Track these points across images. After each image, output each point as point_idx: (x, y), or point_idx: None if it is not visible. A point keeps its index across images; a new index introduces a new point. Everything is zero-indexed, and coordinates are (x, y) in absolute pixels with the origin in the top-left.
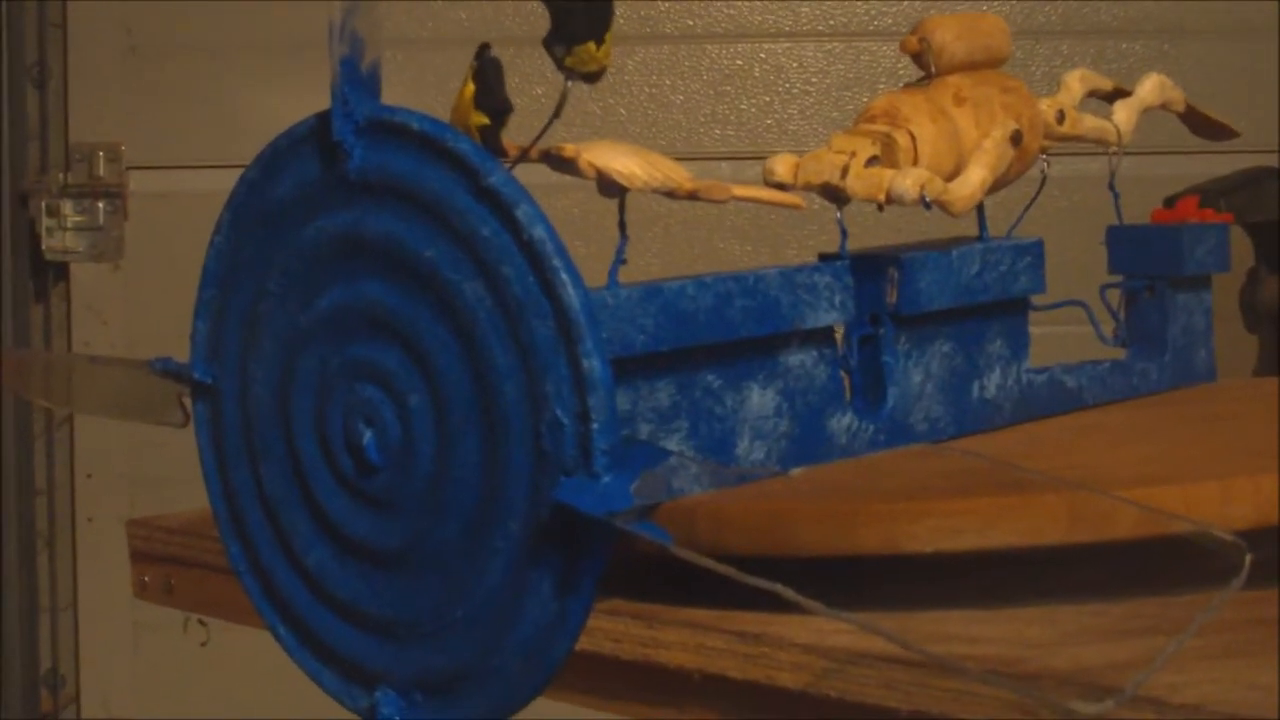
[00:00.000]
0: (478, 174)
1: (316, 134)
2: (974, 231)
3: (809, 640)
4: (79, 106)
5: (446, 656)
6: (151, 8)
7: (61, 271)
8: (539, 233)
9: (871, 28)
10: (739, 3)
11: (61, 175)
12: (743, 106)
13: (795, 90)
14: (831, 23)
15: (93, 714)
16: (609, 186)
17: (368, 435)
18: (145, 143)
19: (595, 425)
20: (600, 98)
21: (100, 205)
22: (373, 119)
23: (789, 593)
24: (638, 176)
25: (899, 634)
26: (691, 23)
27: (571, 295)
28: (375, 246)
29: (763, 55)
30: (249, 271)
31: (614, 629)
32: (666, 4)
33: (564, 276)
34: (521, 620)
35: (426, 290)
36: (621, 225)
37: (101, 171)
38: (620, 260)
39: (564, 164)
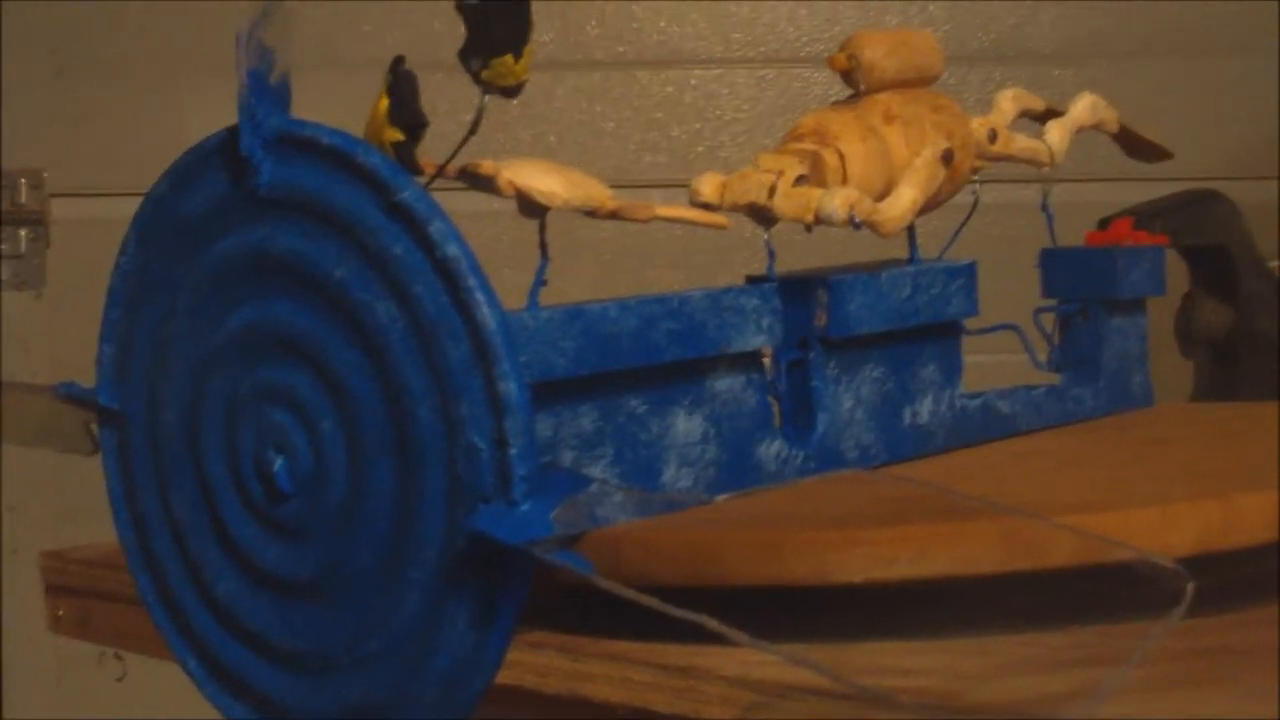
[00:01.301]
0: (388, 189)
1: (225, 148)
2: (905, 253)
3: (736, 673)
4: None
5: (361, 691)
6: (78, 31)
7: None
8: (452, 251)
9: (803, 54)
10: (670, 29)
11: None
12: (674, 134)
13: (727, 117)
14: (763, 49)
15: None
16: (529, 206)
17: (278, 462)
18: (69, 169)
19: (513, 450)
20: (530, 124)
21: (22, 233)
22: (281, 133)
23: (713, 623)
24: (558, 195)
25: (829, 666)
26: (622, 49)
27: (486, 315)
28: (284, 265)
29: (694, 82)
30: (157, 291)
31: (538, 662)
32: (597, 30)
33: (478, 296)
34: (438, 653)
35: (337, 311)
36: (542, 246)
37: (23, 199)
38: (541, 282)
39: (482, 182)
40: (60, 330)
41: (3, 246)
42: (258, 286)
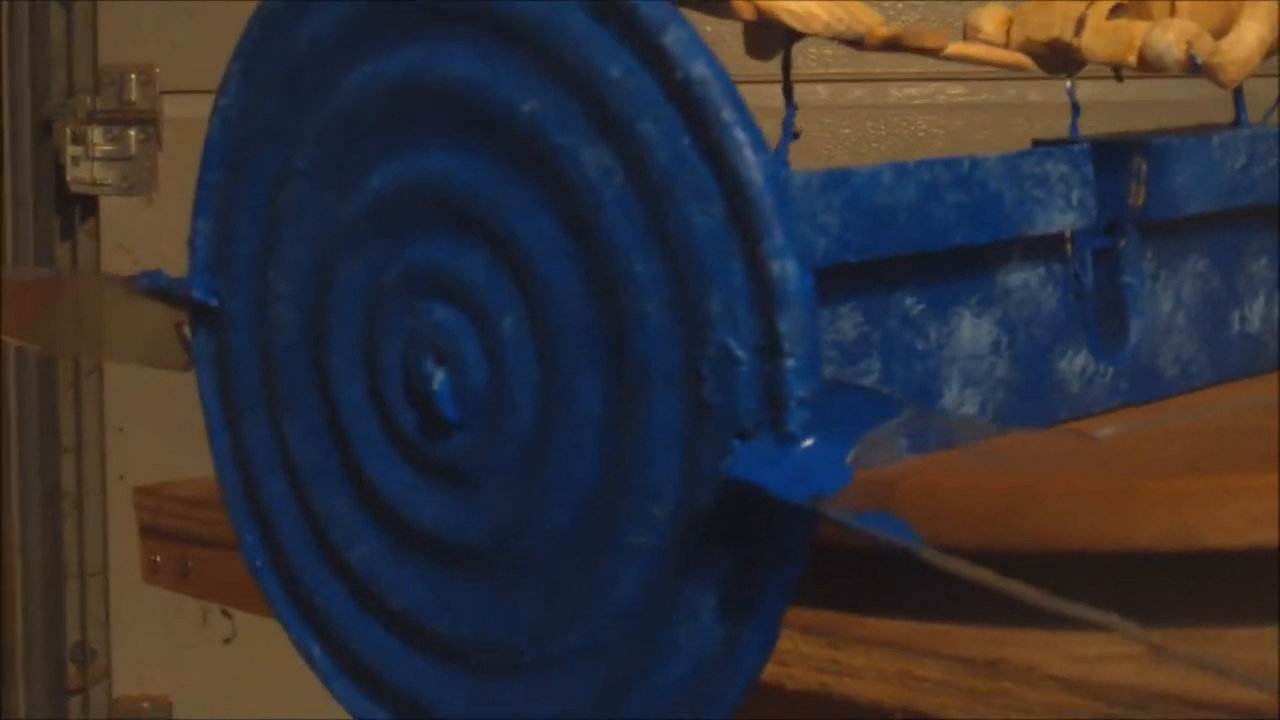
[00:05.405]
0: None
1: None
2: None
3: (1069, 672)
4: (109, 25)
5: (554, 702)
6: None
7: (90, 205)
8: (699, 71)
9: None
10: None
11: (89, 100)
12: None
13: None
14: None
15: (126, 690)
16: (768, 35)
17: (439, 377)
18: (181, 64)
19: (789, 361)
20: None
21: (132, 133)
22: None
23: (1086, 611)
24: (817, 17)
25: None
26: None
27: (751, 163)
28: (449, 99)
29: None
30: (268, 145)
31: (780, 646)
32: None
33: (739, 135)
34: (670, 653)
35: (525, 161)
36: (787, 90)
37: (133, 96)
38: (790, 135)
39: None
40: (172, 240)
41: (110, 149)
42: (410, 132)
